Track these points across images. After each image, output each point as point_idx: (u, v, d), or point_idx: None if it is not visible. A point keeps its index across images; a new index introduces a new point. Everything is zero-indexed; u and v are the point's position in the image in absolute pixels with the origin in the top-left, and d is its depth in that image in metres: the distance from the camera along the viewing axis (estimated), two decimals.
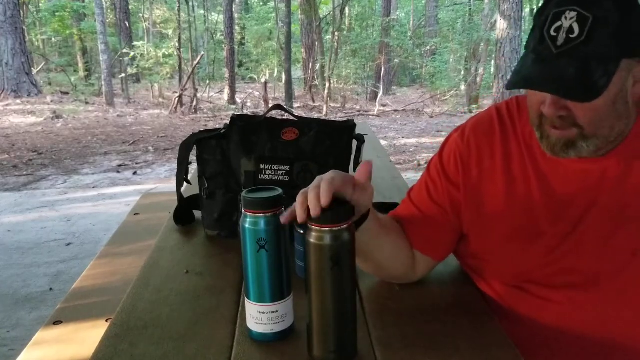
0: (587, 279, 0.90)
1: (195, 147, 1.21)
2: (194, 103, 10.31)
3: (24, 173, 5.65)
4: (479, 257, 0.99)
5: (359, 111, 10.61)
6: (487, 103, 10.39)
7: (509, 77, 0.86)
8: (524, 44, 0.86)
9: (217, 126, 1.38)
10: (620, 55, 0.76)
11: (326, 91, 10.75)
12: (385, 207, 1.25)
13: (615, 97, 0.78)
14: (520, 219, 0.92)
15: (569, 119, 0.80)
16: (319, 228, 0.70)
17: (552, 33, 0.76)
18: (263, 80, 11.48)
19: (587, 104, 0.77)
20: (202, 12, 16.89)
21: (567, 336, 0.93)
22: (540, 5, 0.82)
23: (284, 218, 0.75)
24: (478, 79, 11.27)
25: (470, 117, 1.03)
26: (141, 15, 16.22)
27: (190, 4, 13.59)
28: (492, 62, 10.63)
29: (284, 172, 1.14)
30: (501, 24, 8.26)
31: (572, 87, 0.75)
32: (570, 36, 0.74)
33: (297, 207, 0.73)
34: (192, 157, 1.23)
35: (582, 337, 0.92)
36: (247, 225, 0.76)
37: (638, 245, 0.87)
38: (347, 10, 14.31)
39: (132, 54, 12.37)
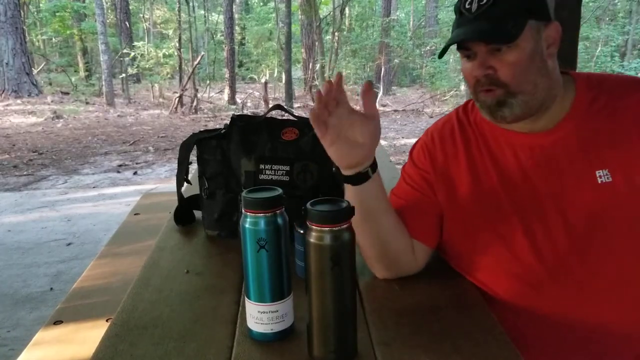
0: (557, 258, 0.93)
1: (195, 147, 1.21)
2: (194, 103, 10.32)
3: (25, 173, 5.65)
4: (457, 246, 1.03)
5: None
6: None
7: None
8: None
9: (217, 126, 1.38)
10: (525, 15, 0.89)
11: None
12: None
13: (531, 52, 0.90)
14: (483, 200, 0.99)
15: (494, 78, 0.91)
16: (319, 228, 0.71)
17: (467, 6, 0.91)
18: (263, 80, 11.49)
19: (507, 60, 0.89)
20: (202, 12, 16.91)
21: (557, 321, 0.94)
22: None
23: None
24: None
25: None
26: (141, 15, 16.23)
27: (191, 4, 13.60)
28: None
29: (284, 172, 1.14)
30: None
31: (490, 34, 0.89)
32: (481, 3, 0.90)
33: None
34: (193, 157, 1.23)
35: (571, 323, 0.93)
36: (247, 225, 0.76)
37: (598, 223, 0.91)
38: (347, 10, 14.32)
39: (132, 54, 12.38)
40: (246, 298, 0.80)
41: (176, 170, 1.27)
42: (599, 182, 0.91)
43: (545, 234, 0.93)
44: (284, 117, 1.28)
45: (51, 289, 2.81)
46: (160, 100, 11.84)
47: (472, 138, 1.03)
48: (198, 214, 1.31)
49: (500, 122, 0.94)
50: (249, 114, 1.36)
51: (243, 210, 0.77)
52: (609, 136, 0.92)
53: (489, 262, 0.98)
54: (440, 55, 0.98)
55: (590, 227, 0.92)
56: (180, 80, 11.17)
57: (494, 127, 1.00)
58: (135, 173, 5.65)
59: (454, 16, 0.97)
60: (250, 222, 0.76)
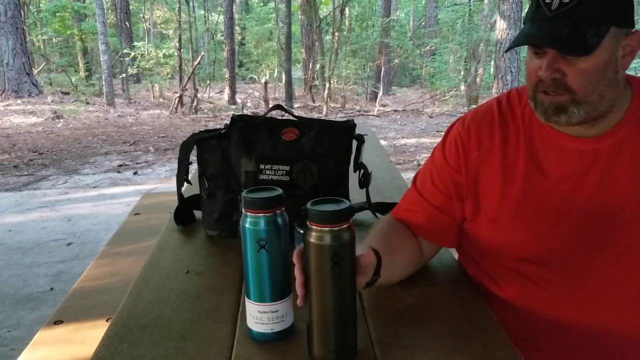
0: (578, 260, 0.92)
1: (195, 147, 1.21)
2: (195, 103, 10.31)
3: (25, 173, 5.65)
4: (473, 240, 1.01)
5: (359, 111, 10.61)
6: None
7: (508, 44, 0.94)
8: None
9: (218, 126, 1.38)
10: (609, 22, 0.82)
11: (326, 91, 10.75)
12: (385, 207, 1.25)
13: (605, 62, 0.84)
14: (514, 200, 0.95)
15: (562, 83, 0.84)
16: (319, 228, 0.71)
17: (547, 0, 0.83)
18: (263, 80, 11.48)
19: (579, 67, 0.83)
20: (202, 12, 16.91)
21: (560, 320, 0.94)
22: None
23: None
24: (478, 79, 11.26)
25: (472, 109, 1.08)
26: (142, 15, 16.24)
27: (191, 4, 13.60)
28: (492, 62, 10.62)
29: (284, 172, 1.14)
30: (501, 25, 8.25)
31: (566, 43, 0.82)
32: (563, 1, 0.82)
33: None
34: (193, 157, 1.23)
35: (574, 323, 0.93)
36: (247, 225, 0.77)
37: (624, 231, 0.89)
38: (347, 10, 14.31)
39: (132, 54, 12.37)
40: (246, 298, 0.81)
41: (176, 170, 1.27)
42: None
43: (574, 243, 0.91)
44: (284, 117, 1.28)
45: (51, 288, 2.81)
46: (161, 100, 11.84)
47: (512, 135, 0.97)
48: (198, 214, 1.31)
49: (552, 125, 0.90)
50: (249, 114, 1.36)
51: (243, 210, 0.77)
52: None
53: (507, 265, 0.97)
54: (507, 50, 0.95)
55: (626, 242, 0.89)
56: (181, 80, 11.16)
57: (544, 126, 0.94)
58: (135, 173, 5.65)
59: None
60: (250, 222, 0.76)
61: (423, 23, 16.01)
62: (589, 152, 0.91)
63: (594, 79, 0.84)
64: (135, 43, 13.71)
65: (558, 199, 0.92)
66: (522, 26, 0.90)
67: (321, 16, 13.61)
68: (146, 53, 12.49)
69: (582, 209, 0.91)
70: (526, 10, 0.91)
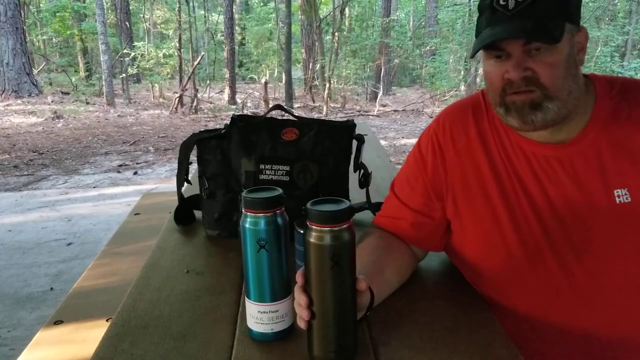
0: (564, 274, 0.91)
1: (195, 147, 1.22)
2: (195, 103, 10.32)
3: (25, 173, 5.65)
4: (462, 247, 1.00)
5: (359, 111, 10.61)
6: None
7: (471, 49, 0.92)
8: None
9: (218, 126, 1.38)
10: (563, 17, 0.84)
11: (326, 91, 10.75)
12: None
13: (568, 56, 0.85)
14: (495, 200, 0.93)
15: (533, 80, 0.84)
16: (319, 228, 0.71)
17: (502, 3, 0.84)
18: (263, 80, 11.48)
19: (547, 61, 0.84)
20: (202, 12, 16.91)
21: (552, 324, 0.93)
22: None
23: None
24: (478, 79, 11.26)
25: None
26: (142, 15, 16.25)
27: (191, 4, 13.60)
28: None
29: (284, 172, 1.14)
30: None
31: (535, 33, 0.82)
32: (519, 0, 0.83)
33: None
34: (193, 157, 1.23)
35: (564, 326, 0.93)
36: (247, 225, 0.77)
37: (611, 244, 0.88)
38: (347, 10, 14.31)
39: (132, 54, 12.38)
40: (246, 298, 0.81)
41: (176, 170, 1.27)
42: (617, 202, 0.87)
43: (557, 247, 0.90)
44: (284, 117, 1.28)
45: (51, 288, 2.81)
46: (161, 100, 11.84)
47: (488, 132, 0.96)
48: (198, 214, 1.31)
49: (527, 128, 0.87)
50: (249, 114, 1.36)
51: (243, 210, 0.77)
52: (630, 151, 0.87)
53: (495, 269, 0.96)
54: (472, 55, 0.92)
55: (603, 247, 0.89)
56: (181, 81, 11.17)
57: (512, 132, 0.93)
58: (135, 173, 5.65)
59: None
60: (251, 222, 0.76)
61: (423, 23, 16.02)
62: (554, 159, 0.90)
63: (562, 72, 0.84)
64: (135, 43, 13.71)
65: (532, 203, 0.91)
66: (477, 36, 0.89)
67: (321, 16, 13.61)
68: (146, 53, 12.50)
69: (555, 215, 0.90)
70: (476, 23, 0.91)
